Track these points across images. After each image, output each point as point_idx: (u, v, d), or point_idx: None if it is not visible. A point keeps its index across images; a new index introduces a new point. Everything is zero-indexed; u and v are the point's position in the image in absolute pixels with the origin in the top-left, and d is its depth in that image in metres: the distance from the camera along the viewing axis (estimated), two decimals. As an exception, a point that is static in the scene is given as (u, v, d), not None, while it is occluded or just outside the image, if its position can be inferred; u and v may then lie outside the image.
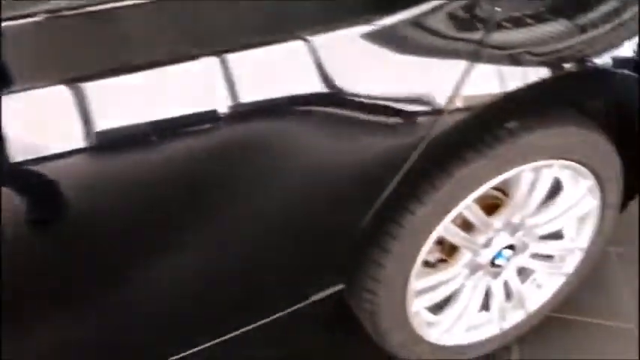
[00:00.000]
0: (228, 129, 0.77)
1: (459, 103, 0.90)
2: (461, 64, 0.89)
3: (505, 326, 1.36)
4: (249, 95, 0.77)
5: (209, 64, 0.74)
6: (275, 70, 0.79)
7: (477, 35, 0.90)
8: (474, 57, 0.89)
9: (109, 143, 0.71)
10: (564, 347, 1.45)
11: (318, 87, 0.81)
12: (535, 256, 1.30)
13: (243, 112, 0.77)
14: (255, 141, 0.80)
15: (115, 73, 0.70)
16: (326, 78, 0.81)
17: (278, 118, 0.81)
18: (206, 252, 0.87)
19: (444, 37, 0.89)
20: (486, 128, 1.00)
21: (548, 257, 1.34)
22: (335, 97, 0.82)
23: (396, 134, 0.89)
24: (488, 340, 1.36)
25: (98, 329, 0.87)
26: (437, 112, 0.89)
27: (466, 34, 0.90)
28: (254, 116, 0.78)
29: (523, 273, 1.36)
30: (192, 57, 0.73)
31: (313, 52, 0.79)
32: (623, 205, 1.37)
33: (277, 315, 1.01)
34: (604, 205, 1.24)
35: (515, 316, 1.36)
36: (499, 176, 1.04)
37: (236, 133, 0.78)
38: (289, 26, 0.80)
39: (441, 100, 0.88)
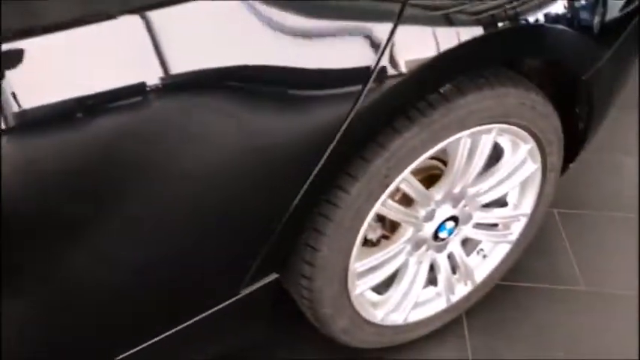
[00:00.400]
0: (137, 110, 0.67)
1: (385, 70, 0.82)
2: (385, 27, 0.80)
3: (454, 299, 1.31)
4: (155, 71, 0.67)
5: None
6: (178, 37, 0.69)
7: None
8: (398, 18, 0.81)
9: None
10: (513, 315, 1.43)
11: (229, 60, 0.71)
12: (479, 226, 1.25)
13: (152, 90, 0.67)
14: (167, 122, 0.70)
15: None
16: (237, 48, 0.72)
17: (191, 95, 0.71)
18: (123, 248, 0.78)
19: None
20: (419, 95, 0.93)
21: (493, 226, 1.30)
22: (249, 71, 0.73)
23: (318, 108, 0.81)
24: (438, 315, 1.32)
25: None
26: (362, 81, 0.81)
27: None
28: (165, 94, 0.68)
29: (468, 244, 1.32)
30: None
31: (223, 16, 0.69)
32: (564, 168, 1.35)
33: (207, 313, 0.93)
34: (545, 168, 1.20)
35: (462, 289, 1.32)
36: (436, 145, 0.97)
37: (146, 113, 0.68)
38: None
39: (365, 68, 0.80)
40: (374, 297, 1.19)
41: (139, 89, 0.66)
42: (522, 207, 1.27)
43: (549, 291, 1.49)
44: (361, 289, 1.11)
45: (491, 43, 0.93)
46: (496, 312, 1.42)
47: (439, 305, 1.30)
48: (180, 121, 0.71)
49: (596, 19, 1.05)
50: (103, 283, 0.80)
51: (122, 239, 0.76)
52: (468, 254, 1.31)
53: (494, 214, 1.25)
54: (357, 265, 1.06)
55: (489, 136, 1.05)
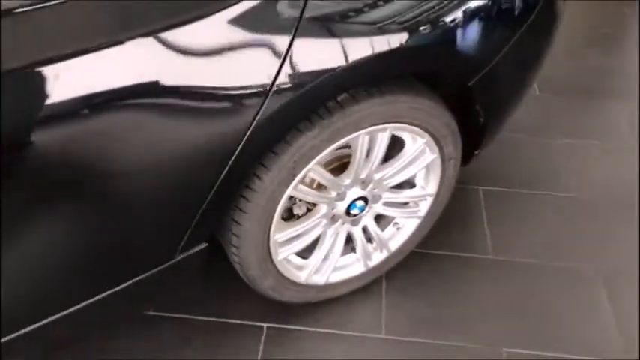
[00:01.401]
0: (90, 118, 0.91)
1: (284, 82, 1.04)
2: (282, 43, 1.02)
3: (371, 264, 1.57)
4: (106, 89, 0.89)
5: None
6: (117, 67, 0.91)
7: (296, 11, 1.02)
8: (295, 34, 1.02)
9: None
10: (427, 279, 1.68)
11: (156, 79, 0.94)
12: (391, 204, 1.49)
13: (96, 105, 0.90)
14: (114, 125, 0.93)
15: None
16: (159, 73, 0.94)
17: (128, 108, 0.94)
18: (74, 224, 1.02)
19: (262, 18, 1.01)
20: (320, 100, 1.15)
21: (405, 204, 1.54)
22: (170, 88, 0.96)
23: (228, 116, 1.03)
24: (358, 277, 1.57)
25: None
26: (263, 93, 1.03)
27: (285, 11, 1.02)
28: (110, 107, 0.91)
29: (384, 220, 1.56)
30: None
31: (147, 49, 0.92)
32: (471, 155, 1.58)
33: (149, 272, 1.18)
34: (444, 157, 1.43)
35: (379, 256, 1.57)
36: (335, 143, 1.20)
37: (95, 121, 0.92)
38: (123, 27, 0.91)
39: (266, 80, 1.02)
40: (298, 261, 1.45)
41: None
42: (428, 188, 1.51)
43: (462, 259, 1.74)
44: (283, 255, 1.36)
45: (379, 61, 1.14)
46: (412, 276, 1.68)
47: (358, 269, 1.56)
48: (124, 125, 0.94)
49: (479, 35, 1.27)
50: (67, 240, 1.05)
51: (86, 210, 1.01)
52: (384, 227, 1.56)
53: (404, 195, 1.49)
54: (277, 236, 1.31)
55: (385, 133, 1.28)
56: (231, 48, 0.99)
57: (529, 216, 1.90)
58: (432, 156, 1.41)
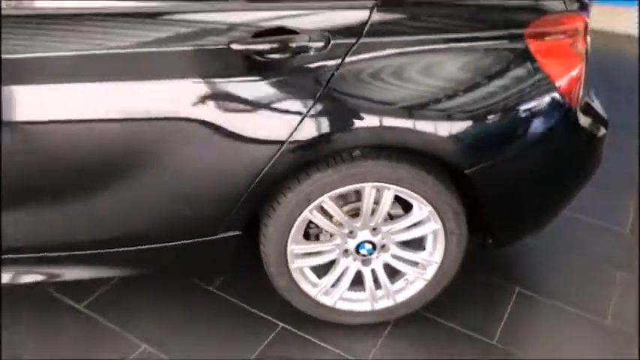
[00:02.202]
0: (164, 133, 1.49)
1: (299, 135, 1.50)
2: (305, 109, 1.49)
3: (377, 307, 1.87)
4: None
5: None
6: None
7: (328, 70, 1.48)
8: (317, 105, 1.49)
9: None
10: (426, 342, 1.90)
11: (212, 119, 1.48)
12: (401, 259, 1.80)
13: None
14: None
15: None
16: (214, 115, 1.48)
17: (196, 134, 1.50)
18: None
19: (297, 91, 1.50)
20: (334, 150, 1.58)
21: (416, 264, 1.83)
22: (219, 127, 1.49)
23: (261, 145, 1.52)
24: (364, 314, 1.89)
25: None
26: (280, 142, 1.51)
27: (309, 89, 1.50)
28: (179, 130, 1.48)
29: (397, 273, 1.86)
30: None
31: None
32: (484, 243, 1.82)
33: (195, 240, 1.69)
34: (446, 230, 1.72)
35: (386, 302, 1.87)
36: (345, 186, 1.61)
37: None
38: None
39: (288, 129, 1.50)
40: (312, 277, 1.83)
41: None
42: (435, 255, 1.79)
43: (465, 336, 1.92)
44: (297, 265, 1.77)
45: (383, 132, 1.54)
46: (413, 334, 1.92)
47: (365, 307, 1.88)
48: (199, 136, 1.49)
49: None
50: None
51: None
52: (397, 279, 1.86)
53: (409, 254, 1.80)
54: (293, 247, 1.72)
55: (389, 192, 1.64)
56: (277, 100, 1.50)
57: (554, 329, 1.99)
58: (435, 225, 1.72)
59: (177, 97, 1.46)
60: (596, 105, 1.89)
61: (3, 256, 1.67)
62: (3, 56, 1.37)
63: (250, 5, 1.48)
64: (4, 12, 1.38)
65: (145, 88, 1.45)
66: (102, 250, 1.70)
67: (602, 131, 1.81)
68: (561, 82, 1.59)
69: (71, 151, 1.51)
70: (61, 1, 1.42)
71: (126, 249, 1.71)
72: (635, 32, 4.67)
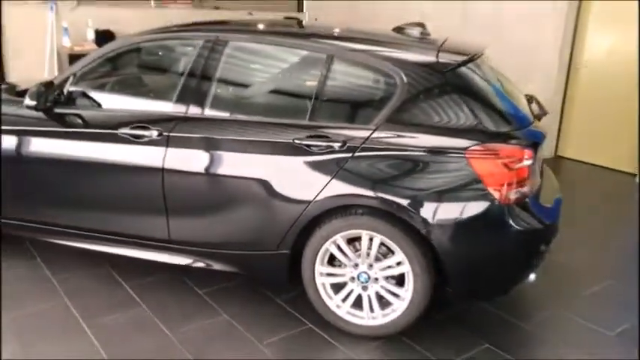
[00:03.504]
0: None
1: (325, 195, 2.65)
2: (326, 182, 2.65)
3: (373, 324, 2.79)
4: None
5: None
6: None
7: (342, 159, 2.64)
8: (333, 180, 2.64)
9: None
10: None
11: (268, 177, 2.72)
12: (387, 290, 2.73)
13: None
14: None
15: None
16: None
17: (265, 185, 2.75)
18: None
19: (323, 170, 2.67)
20: (349, 207, 2.67)
21: (398, 296, 2.73)
22: (280, 185, 2.72)
23: (297, 200, 2.70)
24: (360, 326, 2.81)
25: None
26: (309, 200, 2.68)
27: (334, 160, 2.66)
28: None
29: (387, 305, 2.77)
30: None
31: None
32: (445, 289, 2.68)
33: (261, 252, 2.86)
34: (414, 272, 2.63)
35: (376, 321, 2.77)
36: (349, 230, 2.68)
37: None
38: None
39: (313, 195, 2.66)
40: (331, 293, 2.84)
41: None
42: (408, 291, 2.69)
43: None
44: (321, 281, 2.81)
45: (372, 200, 2.60)
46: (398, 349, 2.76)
47: (362, 322, 2.81)
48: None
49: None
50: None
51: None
52: (385, 307, 2.77)
53: (392, 287, 2.72)
54: (319, 267, 2.79)
55: (377, 238, 2.65)
56: (311, 174, 2.68)
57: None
58: (407, 268, 2.65)
59: (261, 165, 2.75)
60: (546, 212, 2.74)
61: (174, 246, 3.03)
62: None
63: (308, 123, 2.75)
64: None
65: (249, 159, 2.77)
66: (219, 251, 2.96)
67: (535, 227, 2.62)
68: (491, 186, 2.53)
69: (207, 189, 2.87)
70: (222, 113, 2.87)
71: (231, 252, 2.95)
72: None
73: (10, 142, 3.17)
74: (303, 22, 3.58)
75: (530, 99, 3.30)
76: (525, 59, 6.24)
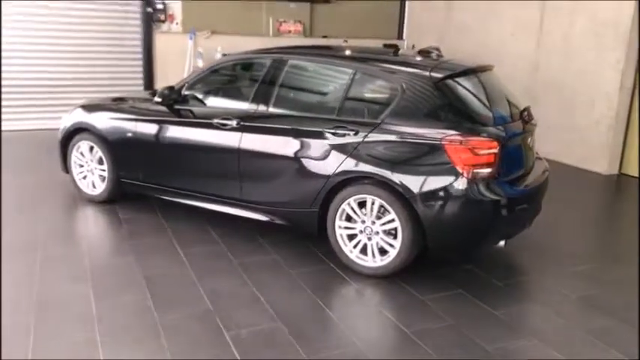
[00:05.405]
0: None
1: (338, 170, 3.73)
2: (343, 159, 3.72)
3: (374, 265, 3.78)
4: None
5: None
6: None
7: (355, 144, 3.71)
8: (348, 159, 3.71)
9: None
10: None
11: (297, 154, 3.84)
12: (385, 241, 3.71)
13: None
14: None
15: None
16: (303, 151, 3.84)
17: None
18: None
19: (341, 151, 3.74)
20: (361, 177, 3.71)
21: (392, 245, 3.70)
22: (313, 162, 3.83)
23: (321, 172, 3.80)
24: (368, 268, 3.81)
25: None
26: (329, 174, 3.77)
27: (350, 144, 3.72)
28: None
29: (384, 250, 3.75)
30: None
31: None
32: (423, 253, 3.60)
33: (299, 209, 3.99)
34: (402, 227, 3.60)
35: (378, 264, 3.76)
36: (359, 195, 3.72)
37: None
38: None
39: (332, 170, 3.75)
40: (347, 241, 3.88)
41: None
42: (398, 243, 3.64)
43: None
44: (339, 232, 3.88)
45: (375, 173, 3.61)
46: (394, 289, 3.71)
47: (371, 264, 3.81)
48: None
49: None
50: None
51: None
52: (384, 253, 3.75)
53: (388, 238, 3.69)
54: (338, 222, 3.87)
55: (377, 201, 3.66)
56: (332, 154, 3.79)
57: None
58: (398, 224, 3.61)
59: (302, 147, 3.90)
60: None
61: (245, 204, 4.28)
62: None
63: (333, 122, 3.85)
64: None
65: (295, 142, 3.93)
66: (270, 207, 4.14)
67: (494, 199, 3.47)
68: (459, 166, 3.44)
69: (265, 162, 4.07)
70: (280, 110, 4.09)
71: (282, 209, 4.11)
72: None
73: (144, 126, 4.65)
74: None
75: (525, 109, 4.12)
76: (590, 79, 6.83)
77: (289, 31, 9.29)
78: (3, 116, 7.66)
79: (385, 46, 9.40)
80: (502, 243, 3.77)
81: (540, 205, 4.16)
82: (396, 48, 4.68)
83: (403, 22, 10.23)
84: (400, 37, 10.13)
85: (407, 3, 10.13)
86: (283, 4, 9.15)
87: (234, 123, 4.18)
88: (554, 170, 7.16)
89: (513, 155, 3.86)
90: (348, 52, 4.32)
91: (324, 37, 9.44)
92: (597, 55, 6.80)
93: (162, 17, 8.30)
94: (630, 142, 6.82)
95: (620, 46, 6.55)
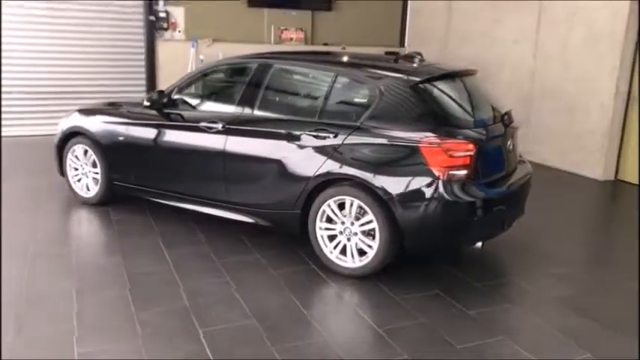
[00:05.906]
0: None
1: (319, 172, 3.79)
2: (323, 161, 3.79)
3: (353, 266, 3.83)
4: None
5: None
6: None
7: (335, 146, 3.77)
8: (328, 160, 3.77)
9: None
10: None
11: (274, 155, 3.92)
12: (363, 242, 3.76)
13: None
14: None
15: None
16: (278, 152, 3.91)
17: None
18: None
19: (321, 153, 3.81)
20: (336, 180, 3.78)
21: (370, 247, 3.75)
22: (294, 163, 3.90)
23: (303, 175, 3.87)
24: (347, 268, 3.87)
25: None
26: (310, 176, 3.83)
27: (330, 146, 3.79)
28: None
29: (364, 253, 3.80)
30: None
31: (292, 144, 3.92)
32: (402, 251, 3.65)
33: (281, 210, 4.05)
34: (380, 228, 3.65)
35: (357, 265, 3.81)
36: (338, 196, 3.79)
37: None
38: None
39: (313, 171, 3.82)
40: (327, 242, 3.93)
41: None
42: (376, 243, 3.70)
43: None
44: (320, 233, 3.94)
45: (354, 174, 3.68)
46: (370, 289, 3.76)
47: (346, 264, 3.87)
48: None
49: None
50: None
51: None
52: (362, 255, 3.80)
53: (366, 239, 3.74)
54: (318, 223, 3.93)
55: (355, 202, 3.72)
56: (312, 156, 3.85)
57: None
58: (375, 224, 3.67)
59: (285, 149, 3.97)
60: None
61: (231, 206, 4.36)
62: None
63: (314, 125, 3.92)
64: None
65: (277, 145, 4.01)
66: (254, 209, 4.22)
67: (468, 200, 3.51)
68: (434, 167, 3.49)
69: (249, 165, 4.15)
70: (264, 114, 4.17)
71: (266, 210, 4.18)
72: None
73: (134, 129, 4.76)
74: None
75: (506, 113, 4.16)
76: (586, 86, 6.83)
77: (291, 39, 9.41)
78: (4, 122, 7.85)
79: (387, 53, 9.57)
80: (479, 244, 3.81)
81: (523, 207, 4.19)
82: (397, 55, 4.77)
83: (405, 30, 10.31)
84: (402, 44, 10.20)
85: (409, 11, 10.22)
86: (285, 12, 9.29)
87: (219, 126, 4.27)
88: (550, 176, 7.26)
89: (493, 157, 3.90)
90: (329, 57, 4.40)
91: (326, 44, 9.55)
92: (593, 62, 6.81)
93: (165, 25, 8.48)
94: (626, 148, 6.81)
95: (616, 54, 6.56)
